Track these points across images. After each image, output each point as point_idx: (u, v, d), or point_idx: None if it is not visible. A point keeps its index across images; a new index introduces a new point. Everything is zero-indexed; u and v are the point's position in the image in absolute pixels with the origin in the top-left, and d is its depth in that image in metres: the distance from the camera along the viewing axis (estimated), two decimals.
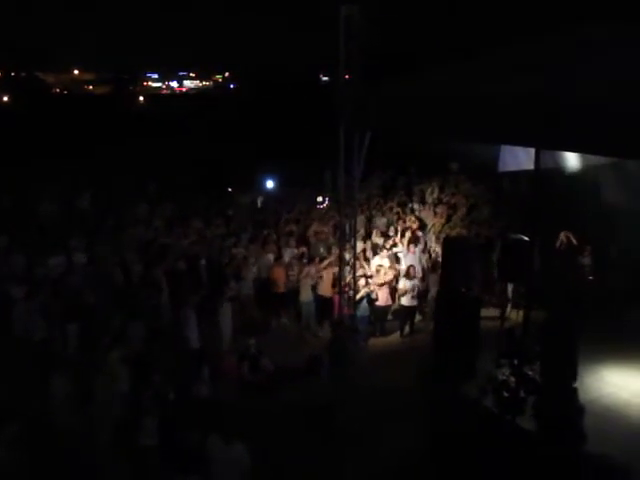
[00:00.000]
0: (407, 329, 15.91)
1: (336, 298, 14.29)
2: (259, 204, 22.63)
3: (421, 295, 16.08)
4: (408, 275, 15.59)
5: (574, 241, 15.19)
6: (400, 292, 15.75)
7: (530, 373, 10.47)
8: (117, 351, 11.19)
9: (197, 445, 9.42)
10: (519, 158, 12.25)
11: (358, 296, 14.27)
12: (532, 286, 11.19)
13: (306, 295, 15.88)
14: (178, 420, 10.24)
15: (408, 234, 17.54)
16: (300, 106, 48.37)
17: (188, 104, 76.73)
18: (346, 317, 12.06)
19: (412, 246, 16.80)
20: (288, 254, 16.92)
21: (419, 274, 16.06)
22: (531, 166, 10.02)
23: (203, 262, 16.06)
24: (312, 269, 15.98)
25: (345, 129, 10.68)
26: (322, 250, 16.81)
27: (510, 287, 15.49)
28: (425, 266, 16.67)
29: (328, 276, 15.52)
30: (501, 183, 20.05)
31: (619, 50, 8.67)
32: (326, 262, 15.75)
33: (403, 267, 16.15)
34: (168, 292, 14.47)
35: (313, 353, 13.49)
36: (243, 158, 30.59)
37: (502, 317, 15.21)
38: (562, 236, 14.62)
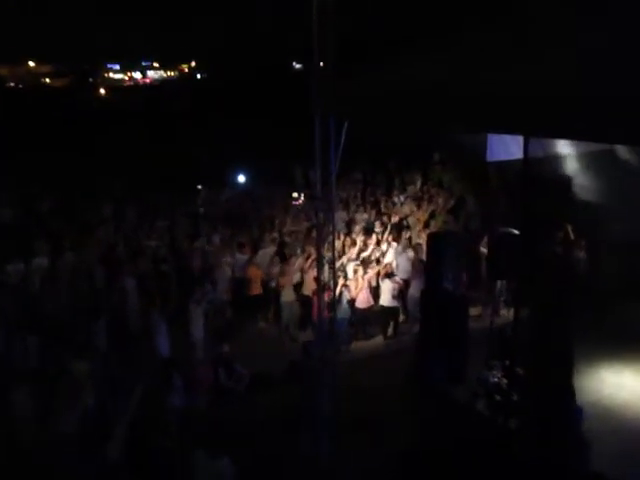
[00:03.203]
0: (390, 331, 15.92)
1: (315, 299, 14.23)
2: (224, 200, 22.57)
3: (404, 295, 16.08)
4: (386, 274, 15.60)
5: (571, 235, 15.25)
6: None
7: (522, 374, 10.50)
8: (82, 362, 11.07)
9: (170, 457, 9.37)
10: (508, 147, 12.24)
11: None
12: (523, 283, 11.21)
13: (288, 295, 15.83)
14: (149, 432, 10.17)
15: (388, 229, 17.59)
16: (272, 95, 48.27)
17: (152, 95, 76.47)
18: (325, 321, 12.00)
19: (395, 242, 16.84)
20: (263, 254, 16.85)
21: (404, 272, 16.06)
22: (521, 155, 10.02)
23: (172, 265, 15.99)
24: (291, 268, 15.96)
25: (321, 119, 10.62)
26: (299, 250, 16.75)
27: (500, 284, 15.52)
28: (409, 263, 16.64)
29: (312, 275, 15.33)
30: (488, 174, 20.08)
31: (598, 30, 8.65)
32: (310, 260, 15.69)
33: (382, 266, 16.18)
34: (136, 297, 14.38)
35: (293, 359, 13.44)
36: (211, 152, 30.52)
37: (492, 316, 15.24)
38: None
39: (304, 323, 15.94)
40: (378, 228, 17.85)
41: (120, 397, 10.31)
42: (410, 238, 17.47)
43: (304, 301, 15.83)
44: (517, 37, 8.75)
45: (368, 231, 17.93)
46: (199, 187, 24.02)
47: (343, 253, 16.26)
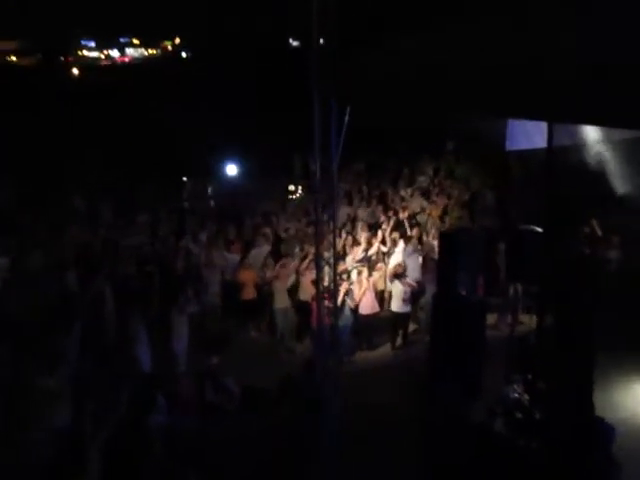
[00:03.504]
0: (399, 340, 15.90)
1: (314, 305, 14.16)
2: (209, 193, 22.58)
3: (415, 299, 16.04)
4: (397, 275, 15.55)
5: (598, 231, 15.21)
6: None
7: (546, 389, 10.48)
8: (53, 377, 11.05)
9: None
10: (530, 134, 12.24)
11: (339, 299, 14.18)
12: (546, 286, 11.19)
13: (281, 301, 15.79)
14: (133, 453, 10.15)
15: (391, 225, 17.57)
16: (266, 76, 48.22)
17: (132, 76, 76.32)
18: (325, 329, 11.99)
19: (402, 241, 16.78)
20: (256, 254, 16.82)
21: (413, 274, 16.02)
22: (544, 143, 10.01)
23: (155, 266, 15.96)
24: (287, 269, 15.93)
25: (321, 102, 10.60)
26: (297, 249, 16.71)
27: (521, 288, 15.50)
28: (420, 265, 16.60)
29: (309, 278, 15.25)
30: (507, 164, 20.07)
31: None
32: (307, 261, 15.65)
33: (390, 267, 16.12)
34: (113, 303, 14.34)
35: (290, 372, 13.41)
36: (199, 140, 30.47)
37: (512, 324, 15.23)
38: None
39: (300, 332, 15.91)
40: (384, 225, 17.80)
41: (96, 417, 10.30)
42: (420, 236, 17.44)
43: (300, 307, 15.80)
44: (517, 20, 8.77)
45: (373, 228, 17.89)
46: (184, 179, 24.02)
47: (344, 253, 16.20)
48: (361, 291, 15.42)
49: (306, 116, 10.77)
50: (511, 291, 15.73)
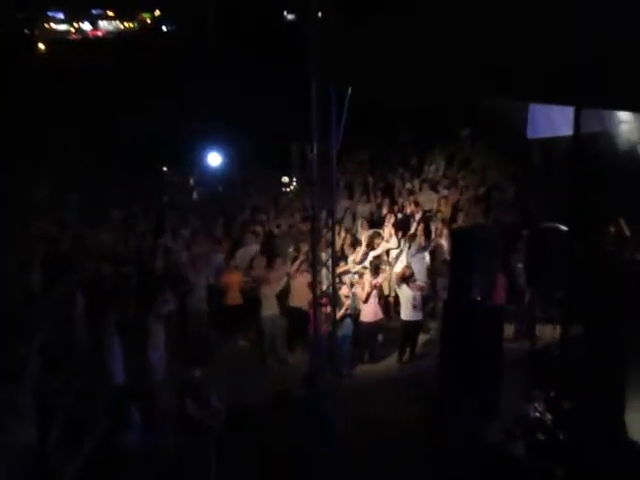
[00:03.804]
0: (407, 352, 15.85)
1: (311, 312, 14.06)
2: (192, 185, 22.58)
3: (426, 306, 15.98)
4: (404, 279, 15.48)
5: (626, 231, 15.19)
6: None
7: (571, 408, 10.47)
8: (15, 391, 11.03)
9: None
10: (554, 120, 12.21)
11: (340, 313, 14.10)
12: (572, 293, 11.17)
13: (269, 307, 15.67)
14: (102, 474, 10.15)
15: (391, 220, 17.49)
16: (258, 52, 48.17)
17: (106, 52, 76.23)
18: (323, 339, 11.96)
19: (407, 240, 16.70)
20: (244, 254, 16.78)
21: (419, 277, 15.97)
22: (570, 131, 9.99)
23: (130, 266, 15.94)
24: (277, 273, 15.86)
25: (319, 84, 10.58)
26: (291, 249, 16.66)
27: (540, 294, 15.48)
28: (426, 266, 16.54)
29: (302, 281, 15.31)
30: (530, 154, 20.03)
31: None
32: (298, 262, 15.59)
33: (397, 269, 16.06)
34: (84, 308, 14.33)
35: (280, 389, 13.39)
36: (180, 125, 30.44)
37: (532, 334, 15.20)
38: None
39: (293, 341, 15.87)
40: (388, 221, 17.65)
41: (64, 436, 10.30)
42: (429, 234, 17.37)
43: (292, 314, 15.78)
44: None
45: (376, 224, 17.82)
46: (164, 169, 24.01)
47: (342, 254, 16.11)
48: (363, 296, 15.34)
49: (303, 98, 10.76)
50: (528, 297, 15.69)
